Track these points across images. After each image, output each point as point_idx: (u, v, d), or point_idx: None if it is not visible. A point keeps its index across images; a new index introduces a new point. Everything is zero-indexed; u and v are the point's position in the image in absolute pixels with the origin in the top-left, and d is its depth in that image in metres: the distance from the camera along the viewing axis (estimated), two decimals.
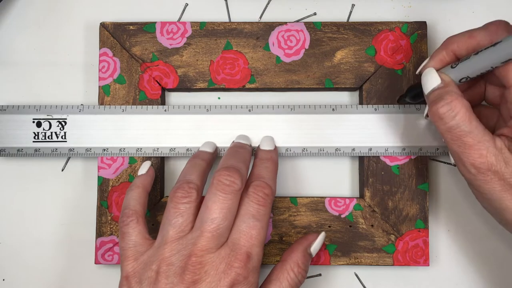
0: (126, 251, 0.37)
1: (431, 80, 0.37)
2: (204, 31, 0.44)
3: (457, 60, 0.37)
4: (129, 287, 0.36)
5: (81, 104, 0.44)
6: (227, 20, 0.46)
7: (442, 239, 0.45)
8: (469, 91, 0.40)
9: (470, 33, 0.36)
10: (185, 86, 0.44)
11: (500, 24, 0.36)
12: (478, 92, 0.40)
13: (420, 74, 0.38)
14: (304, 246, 0.39)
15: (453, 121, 0.35)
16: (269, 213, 0.37)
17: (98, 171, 0.44)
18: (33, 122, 0.43)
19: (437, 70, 0.37)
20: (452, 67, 0.36)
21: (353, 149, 0.43)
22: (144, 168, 0.42)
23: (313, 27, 0.44)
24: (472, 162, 0.35)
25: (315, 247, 0.40)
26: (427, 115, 0.40)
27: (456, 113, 0.35)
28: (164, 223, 0.37)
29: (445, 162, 0.45)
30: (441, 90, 0.36)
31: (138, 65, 0.44)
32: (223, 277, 0.35)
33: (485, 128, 0.35)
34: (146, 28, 0.44)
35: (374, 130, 0.43)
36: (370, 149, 0.43)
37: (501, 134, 0.36)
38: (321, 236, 0.40)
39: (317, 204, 0.43)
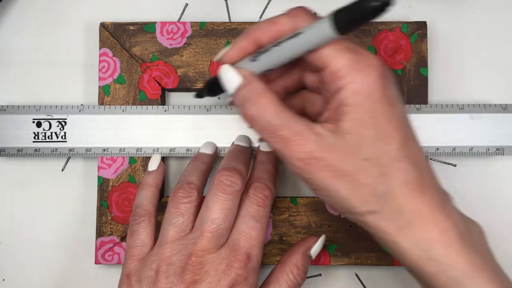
0: (132, 249, 0.37)
1: (231, 79, 0.35)
2: (204, 31, 0.44)
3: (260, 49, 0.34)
4: (129, 285, 0.36)
5: (81, 104, 0.44)
6: (227, 20, 0.46)
7: None
8: (284, 79, 0.38)
9: (273, 20, 0.34)
10: (185, 86, 0.44)
11: (300, 10, 0.34)
12: (295, 79, 0.38)
13: (219, 61, 0.36)
14: (304, 249, 0.39)
15: (264, 119, 0.33)
16: (269, 214, 0.38)
17: (98, 171, 0.44)
18: (33, 122, 0.43)
19: (236, 63, 0.35)
20: (254, 60, 0.34)
21: None
22: (154, 163, 0.41)
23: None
24: (294, 155, 0.32)
25: (315, 249, 0.40)
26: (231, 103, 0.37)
27: (265, 111, 0.33)
28: (164, 223, 0.37)
29: (445, 162, 0.45)
30: (245, 90, 0.34)
31: (138, 65, 0.44)
32: (223, 277, 0.35)
33: (300, 117, 0.33)
34: (146, 28, 0.44)
35: None
36: None
37: (325, 119, 0.33)
38: (321, 239, 0.40)
39: (317, 204, 0.43)
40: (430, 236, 0.32)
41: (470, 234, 0.34)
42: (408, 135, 0.33)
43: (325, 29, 0.31)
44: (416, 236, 0.32)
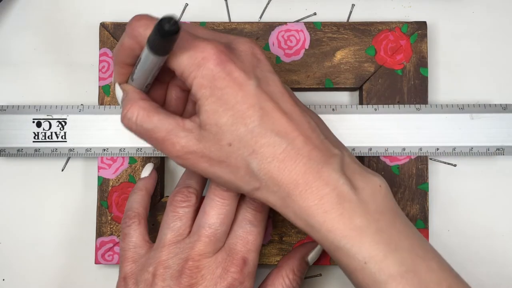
0: (125, 252, 0.38)
1: (117, 94, 0.37)
2: None
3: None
4: None
5: (81, 104, 0.44)
6: (227, 20, 0.46)
7: (442, 239, 0.45)
8: (158, 89, 0.39)
9: (120, 43, 0.35)
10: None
11: (132, 26, 0.34)
12: (164, 87, 0.39)
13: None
14: (302, 254, 0.39)
15: (136, 125, 0.34)
16: (266, 219, 0.38)
17: (98, 171, 0.44)
18: (33, 122, 0.43)
19: (124, 82, 0.37)
20: (132, 79, 0.37)
21: (353, 149, 0.43)
22: (147, 170, 0.42)
23: (313, 27, 0.44)
24: (171, 153, 0.34)
25: (312, 256, 0.40)
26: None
27: (136, 118, 0.34)
28: (162, 227, 0.37)
29: (445, 162, 0.45)
30: (123, 102, 0.36)
31: None
32: (219, 281, 0.35)
33: (172, 116, 0.34)
34: None
35: (374, 130, 0.43)
36: (370, 149, 0.43)
37: (192, 113, 0.36)
38: (319, 246, 0.40)
39: None
40: (308, 205, 0.32)
41: (358, 195, 0.33)
42: (266, 109, 0.33)
43: (148, 55, 0.33)
44: (296, 206, 0.33)
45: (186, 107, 0.39)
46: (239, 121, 0.33)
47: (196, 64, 0.33)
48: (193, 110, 0.38)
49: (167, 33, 0.30)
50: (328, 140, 0.35)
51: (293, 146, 0.33)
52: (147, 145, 0.43)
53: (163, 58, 0.33)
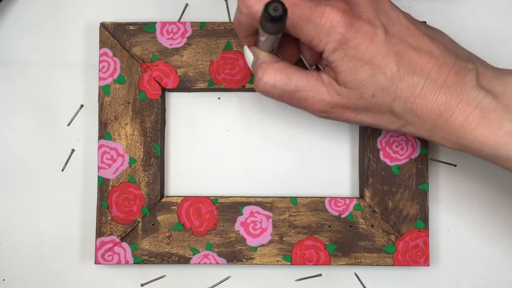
0: None
1: (246, 57, 0.39)
2: (204, 31, 0.44)
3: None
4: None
5: (81, 104, 0.44)
6: (227, 20, 0.46)
7: (442, 239, 0.45)
8: (288, 48, 0.39)
9: (237, 16, 0.36)
10: (185, 86, 0.44)
11: (244, 1, 0.34)
12: (295, 47, 0.39)
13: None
14: None
15: (276, 89, 0.36)
16: None
17: (98, 171, 0.44)
18: None
19: (253, 45, 0.38)
20: (258, 45, 0.38)
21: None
22: None
23: None
24: (317, 110, 0.36)
25: None
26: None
27: (274, 80, 0.35)
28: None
29: (445, 162, 0.45)
30: (254, 66, 0.37)
31: (138, 65, 0.44)
32: None
33: (309, 72, 0.36)
34: (146, 28, 0.44)
35: None
36: None
37: (325, 65, 0.36)
38: None
39: (317, 204, 0.43)
40: (455, 129, 0.34)
41: (500, 101, 0.34)
42: (399, 52, 0.34)
43: (263, 32, 0.34)
44: (444, 133, 0.35)
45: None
46: (378, 72, 0.34)
47: (325, 31, 0.34)
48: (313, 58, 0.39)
49: (274, 18, 0.31)
50: (458, 58, 0.35)
51: (430, 80, 0.34)
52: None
53: (280, 33, 0.34)
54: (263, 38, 0.35)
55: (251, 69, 0.38)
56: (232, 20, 0.46)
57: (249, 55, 0.38)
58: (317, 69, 0.39)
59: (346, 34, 0.34)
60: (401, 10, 0.36)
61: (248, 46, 0.38)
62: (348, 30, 0.34)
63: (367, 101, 0.35)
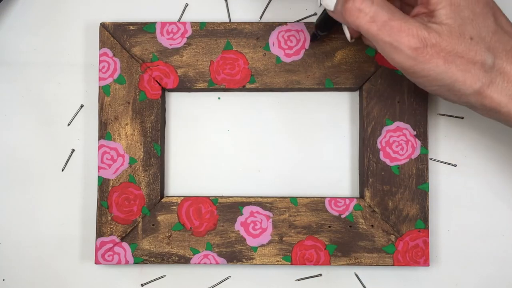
0: None
1: None
2: (204, 31, 0.44)
3: None
4: None
5: (81, 104, 0.44)
6: (227, 20, 0.46)
7: (442, 239, 0.45)
8: None
9: None
10: (185, 86, 0.44)
11: None
12: None
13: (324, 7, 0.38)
14: None
15: (372, 8, 0.34)
16: None
17: (98, 171, 0.44)
18: None
19: None
20: None
21: None
22: None
23: (313, 27, 0.44)
24: (408, 44, 0.34)
25: None
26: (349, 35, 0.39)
27: (371, 3, 0.34)
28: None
29: (445, 162, 0.45)
30: None
31: (138, 65, 0.44)
32: None
33: (404, 13, 0.35)
34: (146, 28, 0.44)
35: None
36: None
37: (417, 13, 0.36)
38: None
39: (317, 204, 0.43)
40: None
41: None
42: (494, 8, 0.36)
43: None
44: None
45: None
46: (478, 16, 0.35)
47: None
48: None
49: None
50: None
51: None
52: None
53: None
54: None
55: (331, 7, 0.36)
56: (231, 20, 0.46)
57: None
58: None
59: None
60: None
61: None
62: None
63: (464, 43, 0.34)
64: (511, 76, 0.35)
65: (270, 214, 0.43)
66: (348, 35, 0.39)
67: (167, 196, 0.44)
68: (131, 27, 0.44)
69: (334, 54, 0.44)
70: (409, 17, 0.34)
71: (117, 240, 0.43)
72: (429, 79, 0.35)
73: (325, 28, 0.41)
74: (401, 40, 0.34)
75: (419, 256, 0.43)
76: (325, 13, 0.40)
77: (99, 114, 0.44)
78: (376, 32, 0.34)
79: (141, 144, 0.44)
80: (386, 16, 0.34)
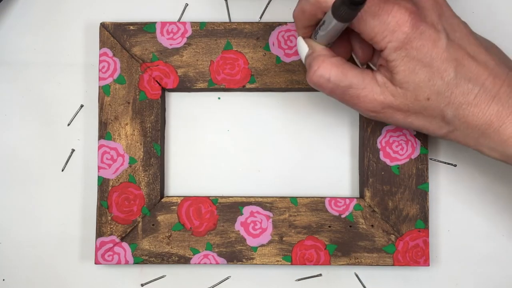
0: None
1: (300, 48, 0.38)
2: (204, 31, 0.44)
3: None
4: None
5: (81, 104, 0.44)
6: (227, 20, 0.46)
7: (442, 239, 0.45)
8: (341, 44, 0.39)
9: (301, 4, 0.36)
10: (185, 86, 0.44)
11: None
12: (345, 43, 0.39)
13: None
14: None
15: (329, 83, 0.36)
16: None
17: (98, 171, 0.44)
18: None
19: (308, 37, 0.38)
20: (315, 37, 0.37)
21: None
22: None
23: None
24: (367, 109, 0.36)
25: None
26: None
27: (329, 75, 0.35)
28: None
29: (445, 162, 0.45)
30: (309, 58, 0.37)
31: (138, 65, 0.44)
32: None
33: (363, 70, 0.36)
34: (146, 28, 0.44)
35: None
36: None
37: (380, 65, 0.37)
38: None
39: (317, 204, 0.43)
40: (503, 139, 0.35)
41: None
42: (458, 59, 0.35)
43: (333, 21, 0.33)
44: (491, 142, 0.35)
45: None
46: (436, 76, 0.35)
47: (390, 29, 0.34)
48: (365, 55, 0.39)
49: (354, 2, 0.31)
50: (511, 70, 0.36)
51: (484, 89, 0.35)
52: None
53: (348, 23, 0.34)
54: (323, 32, 0.35)
55: (304, 61, 0.38)
56: (231, 20, 0.46)
57: (303, 47, 0.38)
58: (368, 68, 0.38)
59: (411, 34, 0.34)
60: (461, 19, 0.37)
61: (303, 38, 0.38)
62: (413, 30, 0.34)
63: (420, 104, 0.35)
64: (473, 124, 0.35)
65: (270, 214, 0.43)
66: (358, 62, 0.40)
67: (167, 196, 0.44)
68: (131, 27, 0.44)
69: None
70: (365, 80, 0.36)
71: (117, 240, 0.43)
72: (397, 125, 0.38)
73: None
74: (360, 106, 0.36)
75: (419, 256, 0.43)
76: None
77: (99, 114, 0.44)
78: (338, 100, 0.37)
79: (141, 144, 0.44)
80: (343, 87, 0.36)
